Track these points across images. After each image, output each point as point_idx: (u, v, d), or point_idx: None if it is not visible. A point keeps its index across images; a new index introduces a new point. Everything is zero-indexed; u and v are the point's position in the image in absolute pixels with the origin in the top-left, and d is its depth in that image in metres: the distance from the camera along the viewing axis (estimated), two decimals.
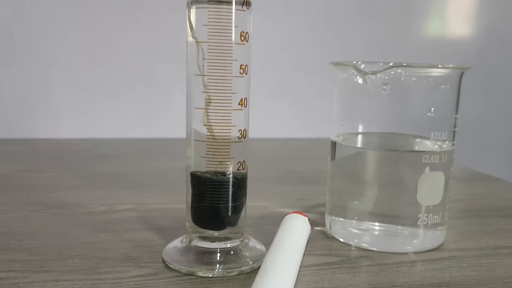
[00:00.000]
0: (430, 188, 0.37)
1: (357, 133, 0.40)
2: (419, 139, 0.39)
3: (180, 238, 0.36)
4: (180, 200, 0.43)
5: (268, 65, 0.90)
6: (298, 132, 0.93)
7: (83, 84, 0.85)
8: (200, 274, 0.32)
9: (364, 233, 0.39)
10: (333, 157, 0.41)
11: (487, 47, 1.02)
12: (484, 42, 1.02)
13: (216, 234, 0.34)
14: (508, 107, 1.06)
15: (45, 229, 0.40)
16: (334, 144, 0.40)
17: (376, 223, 0.38)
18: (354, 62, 0.37)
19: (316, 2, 0.92)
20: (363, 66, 0.37)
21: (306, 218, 0.38)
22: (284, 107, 0.93)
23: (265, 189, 0.55)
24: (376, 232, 0.38)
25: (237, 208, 0.34)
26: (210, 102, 0.32)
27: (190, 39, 0.33)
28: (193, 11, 0.32)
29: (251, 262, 0.34)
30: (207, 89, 0.32)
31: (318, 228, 0.42)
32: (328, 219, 0.41)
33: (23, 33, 0.81)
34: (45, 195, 0.50)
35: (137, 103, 0.87)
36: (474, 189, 0.59)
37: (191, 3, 0.32)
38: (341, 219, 0.40)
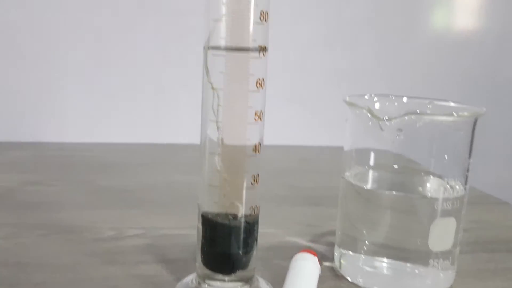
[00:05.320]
0: (441, 235, 0.37)
1: (369, 170, 0.40)
2: (432, 177, 0.39)
3: (190, 278, 0.36)
4: (189, 223, 0.43)
5: (275, 71, 0.89)
6: (304, 139, 0.93)
7: (91, 88, 0.84)
8: None
9: (373, 271, 0.39)
10: (344, 194, 0.41)
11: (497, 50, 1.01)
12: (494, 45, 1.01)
13: (226, 278, 0.34)
14: None
15: (54, 259, 0.40)
16: (345, 182, 0.40)
17: (384, 263, 0.38)
18: (368, 107, 0.36)
19: (325, 10, 0.92)
20: (377, 103, 0.37)
21: (316, 259, 0.38)
22: (291, 112, 0.93)
23: (271, 210, 0.54)
24: (385, 271, 0.38)
25: (249, 254, 0.34)
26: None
27: (205, 82, 0.32)
28: (209, 56, 0.32)
29: None
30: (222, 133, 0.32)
31: (327, 263, 0.42)
32: (337, 252, 0.41)
33: (30, 35, 0.80)
34: (54, 216, 0.50)
35: (145, 108, 0.87)
36: (481, 215, 0.59)
37: (208, 48, 0.32)
38: (351, 252, 0.40)
